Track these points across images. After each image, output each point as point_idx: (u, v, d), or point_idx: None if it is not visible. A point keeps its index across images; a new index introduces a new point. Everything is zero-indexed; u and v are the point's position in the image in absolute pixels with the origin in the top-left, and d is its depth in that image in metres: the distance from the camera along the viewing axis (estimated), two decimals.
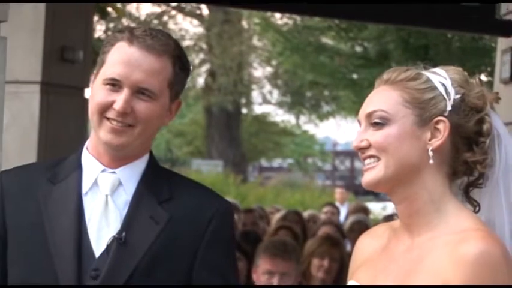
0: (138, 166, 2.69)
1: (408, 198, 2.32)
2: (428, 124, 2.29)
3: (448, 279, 2.18)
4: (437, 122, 2.29)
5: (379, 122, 2.32)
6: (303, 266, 5.76)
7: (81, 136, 7.76)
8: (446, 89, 2.31)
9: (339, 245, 6.19)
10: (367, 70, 22.57)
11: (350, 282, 2.43)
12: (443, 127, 2.29)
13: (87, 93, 7.53)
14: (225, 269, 2.67)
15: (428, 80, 2.33)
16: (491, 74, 17.73)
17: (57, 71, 8.05)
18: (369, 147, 2.33)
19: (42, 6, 7.93)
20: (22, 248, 2.61)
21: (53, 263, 2.58)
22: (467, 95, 2.32)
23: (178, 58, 2.69)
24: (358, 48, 23.80)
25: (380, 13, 9.50)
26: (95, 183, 2.66)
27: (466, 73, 2.38)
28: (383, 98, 2.34)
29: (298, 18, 23.83)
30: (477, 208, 2.36)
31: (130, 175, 2.67)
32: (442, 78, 2.34)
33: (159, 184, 2.68)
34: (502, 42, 9.40)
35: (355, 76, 24.17)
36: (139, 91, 2.62)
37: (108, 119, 2.63)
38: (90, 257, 2.60)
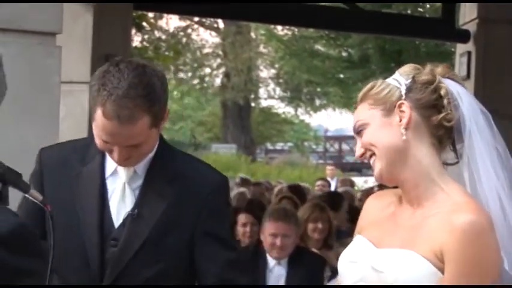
0: (149, 157, 2.56)
1: (410, 179, 2.25)
2: (394, 111, 2.25)
3: (443, 244, 2.14)
4: (400, 106, 2.24)
5: (361, 129, 2.29)
6: (301, 230, 5.74)
7: None
8: (397, 81, 2.27)
9: (325, 209, 6.19)
10: (352, 71, 22.55)
11: (357, 237, 2.35)
12: (405, 107, 2.24)
13: None
14: (222, 233, 2.59)
15: (382, 82, 2.31)
16: None
17: None
18: (365, 151, 2.29)
19: (90, 21, 7.93)
20: (56, 218, 2.50)
21: (81, 233, 2.52)
22: (417, 76, 2.27)
23: (152, 105, 2.40)
24: (344, 53, 23.76)
25: (362, 24, 9.48)
26: (115, 171, 2.57)
27: (415, 65, 2.32)
28: (358, 112, 2.32)
29: (296, 29, 23.77)
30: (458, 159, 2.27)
31: (143, 164, 2.56)
32: (393, 76, 2.31)
33: (165, 165, 2.57)
34: (460, 48, 9.36)
35: (342, 76, 24.15)
36: (128, 146, 2.46)
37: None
38: (110, 228, 2.54)
